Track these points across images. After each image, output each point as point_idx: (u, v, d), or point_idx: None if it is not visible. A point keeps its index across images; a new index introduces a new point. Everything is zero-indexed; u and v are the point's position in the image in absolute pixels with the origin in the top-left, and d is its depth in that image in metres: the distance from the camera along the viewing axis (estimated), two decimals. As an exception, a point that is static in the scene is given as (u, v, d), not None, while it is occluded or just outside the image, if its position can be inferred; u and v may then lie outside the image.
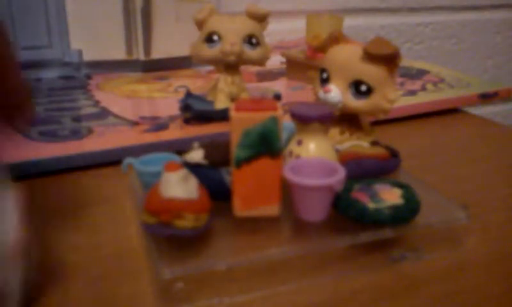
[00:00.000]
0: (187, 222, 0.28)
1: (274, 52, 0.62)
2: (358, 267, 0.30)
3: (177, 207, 0.28)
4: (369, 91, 0.38)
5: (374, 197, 0.31)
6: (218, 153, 0.32)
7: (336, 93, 0.38)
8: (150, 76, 0.71)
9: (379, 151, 0.37)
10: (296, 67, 0.69)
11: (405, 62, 0.81)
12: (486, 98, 0.65)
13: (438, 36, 1.08)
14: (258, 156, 0.30)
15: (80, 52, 0.71)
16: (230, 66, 0.52)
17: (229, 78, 0.52)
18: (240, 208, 0.31)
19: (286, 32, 0.89)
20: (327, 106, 0.37)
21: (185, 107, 0.51)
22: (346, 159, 0.35)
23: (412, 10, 1.03)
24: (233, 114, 0.30)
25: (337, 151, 0.36)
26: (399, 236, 0.31)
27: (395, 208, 0.30)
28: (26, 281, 0.22)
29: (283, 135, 0.33)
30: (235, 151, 0.30)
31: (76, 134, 0.47)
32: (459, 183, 0.43)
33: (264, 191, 0.31)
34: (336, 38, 0.40)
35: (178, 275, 0.27)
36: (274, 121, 0.30)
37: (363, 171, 0.35)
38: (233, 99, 0.52)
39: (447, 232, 0.33)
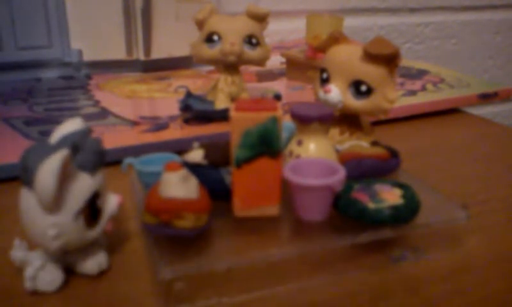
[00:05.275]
0: (187, 222, 0.28)
1: (274, 52, 0.62)
2: (358, 267, 0.30)
3: (177, 207, 0.28)
4: (369, 91, 0.38)
5: (374, 197, 0.31)
6: (218, 153, 0.32)
7: (336, 93, 0.38)
8: (150, 76, 0.71)
9: (379, 151, 0.37)
10: (296, 67, 0.69)
11: (405, 62, 0.81)
12: (486, 98, 0.65)
13: (438, 36, 1.08)
14: (258, 156, 0.30)
15: (80, 52, 0.71)
16: (230, 66, 0.52)
17: (229, 78, 0.52)
18: (240, 208, 0.31)
19: (286, 32, 0.89)
20: (327, 106, 0.37)
21: (185, 107, 0.51)
22: (346, 159, 0.35)
23: (412, 10, 1.03)
24: (233, 114, 0.30)
25: (337, 151, 0.36)
26: (399, 236, 0.31)
27: (395, 208, 0.30)
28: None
29: (283, 135, 0.33)
30: (235, 151, 0.30)
31: (76, 134, 0.47)
32: (459, 183, 0.43)
33: (263, 191, 0.31)
34: (336, 38, 0.40)
35: (178, 275, 0.27)
36: (274, 121, 0.30)
37: (363, 171, 0.35)
38: (233, 99, 0.52)
39: (447, 232, 0.33)
